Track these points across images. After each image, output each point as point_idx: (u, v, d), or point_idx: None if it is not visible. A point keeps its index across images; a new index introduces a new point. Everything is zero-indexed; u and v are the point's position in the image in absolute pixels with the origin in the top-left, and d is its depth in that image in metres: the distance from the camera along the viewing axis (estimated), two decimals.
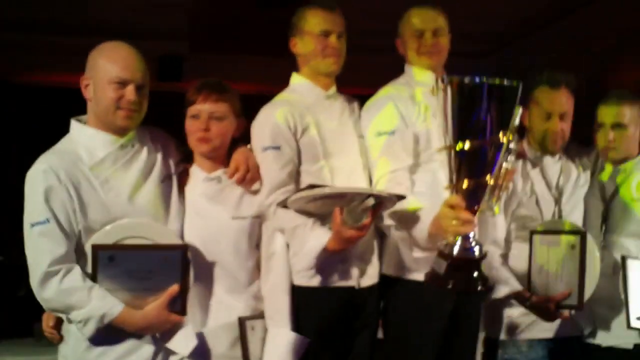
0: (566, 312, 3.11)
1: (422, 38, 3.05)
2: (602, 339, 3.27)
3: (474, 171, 2.52)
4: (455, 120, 2.49)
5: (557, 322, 3.19)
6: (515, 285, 3.13)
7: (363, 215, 2.62)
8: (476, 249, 2.58)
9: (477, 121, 2.48)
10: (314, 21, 2.95)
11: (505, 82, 2.50)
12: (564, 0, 6.31)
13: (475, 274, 2.62)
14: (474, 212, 2.55)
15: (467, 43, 6.85)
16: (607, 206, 3.32)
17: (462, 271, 2.60)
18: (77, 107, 2.83)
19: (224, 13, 4.55)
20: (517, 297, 3.14)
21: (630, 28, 6.38)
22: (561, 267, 3.12)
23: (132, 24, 4.76)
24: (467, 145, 2.47)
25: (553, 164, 3.31)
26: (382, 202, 2.68)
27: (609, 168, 3.36)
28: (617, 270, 3.22)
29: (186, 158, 2.96)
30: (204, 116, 2.84)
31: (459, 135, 2.49)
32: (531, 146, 3.31)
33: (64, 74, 5.04)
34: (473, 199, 2.55)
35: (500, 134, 2.49)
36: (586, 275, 3.08)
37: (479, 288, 2.65)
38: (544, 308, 3.09)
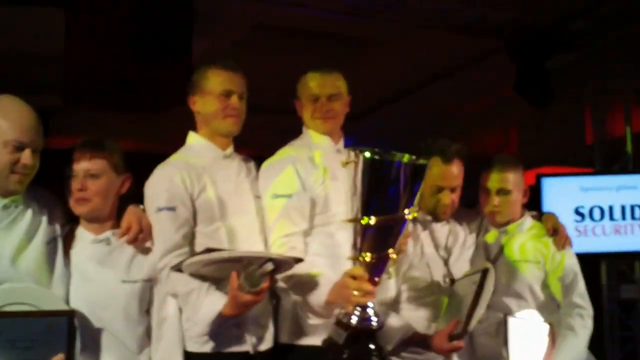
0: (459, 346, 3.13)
1: (317, 103, 3.08)
2: None
3: (378, 245, 2.58)
4: (365, 194, 2.53)
5: None
6: (409, 328, 3.18)
7: (261, 280, 2.58)
8: (374, 320, 2.62)
9: (385, 197, 2.54)
10: (215, 80, 2.93)
11: (415, 160, 2.58)
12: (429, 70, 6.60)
13: (372, 345, 2.65)
14: (375, 284, 2.60)
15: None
16: None
17: (360, 341, 2.62)
18: None
19: (101, 67, 4.45)
20: (413, 340, 3.18)
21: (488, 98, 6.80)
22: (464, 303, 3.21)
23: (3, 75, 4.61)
24: (373, 220, 2.52)
25: (441, 227, 3.39)
26: (279, 265, 2.66)
27: (493, 230, 3.50)
28: (499, 330, 3.34)
29: (72, 219, 2.86)
30: (80, 175, 2.77)
31: (366, 209, 2.53)
32: (421, 210, 3.37)
33: None
34: (375, 271, 2.60)
35: (406, 210, 2.55)
36: (478, 306, 3.15)
37: (375, 359, 2.66)
38: (441, 343, 3.12)
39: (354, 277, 2.58)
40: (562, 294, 3.47)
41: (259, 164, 3.12)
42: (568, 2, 4.99)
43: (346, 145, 3.19)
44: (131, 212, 2.84)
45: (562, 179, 5.87)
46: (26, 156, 2.55)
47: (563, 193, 5.65)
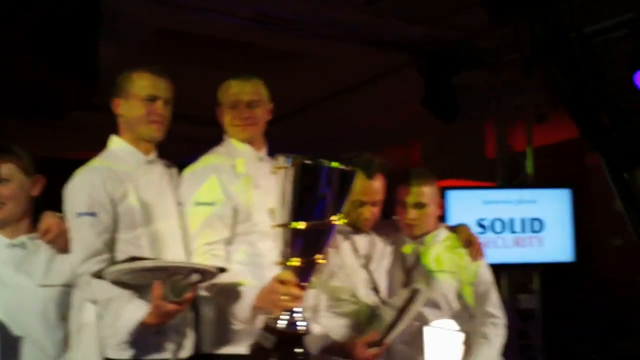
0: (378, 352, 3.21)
1: (237, 109, 3.11)
2: None
3: (306, 250, 2.67)
4: (294, 199, 2.62)
5: None
6: (330, 336, 3.24)
7: (186, 290, 2.62)
8: (301, 324, 2.70)
9: (315, 202, 2.64)
10: (140, 84, 2.93)
11: (344, 167, 2.69)
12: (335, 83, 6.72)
13: (299, 348, 2.73)
14: (303, 288, 2.69)
15: None
16: (407, 277, 3.55)
17: (287, 346, 2.70)
18: None
19: (5, 73, 4.40)
20: (332, 349, 3.24)
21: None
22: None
23: None
24: (301, 225, 2.62)
25: (362, 238, 3.48)
26: (204, 275, 2.70)
27: (410, 242, 3.62)
28: (416, 338, 3.47)
29: None
30: None
31: (295, 215, 2.62)
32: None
33: None
34: (303, 276, 2.70)
35: (335, 217, 2.66)
36: (401, 320, 3.26)
37: None
38: (358, 351, 3.19)
39: (282, 282, 2.66)
40: (476, 304, 3.61)
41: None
42: (473, 20, 5.18)
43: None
44: (49, 215, 2.85)
45: (466, 192, 6.11)
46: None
47: (466, 205, 5.88)
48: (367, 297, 3.38)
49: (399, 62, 5.87)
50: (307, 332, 2.73)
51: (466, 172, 6.80)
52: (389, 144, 8.22)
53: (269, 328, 2.69)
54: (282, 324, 2.68)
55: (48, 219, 2.84)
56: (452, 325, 3.57)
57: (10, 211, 2.79)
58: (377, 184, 3.35)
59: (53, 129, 5.16)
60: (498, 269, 6.02)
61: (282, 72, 5.89)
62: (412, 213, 3.52)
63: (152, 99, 2.91)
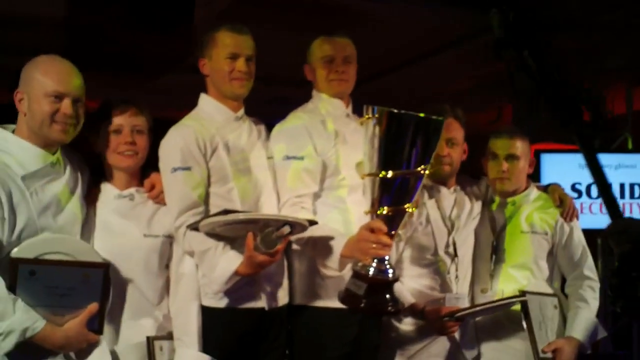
0: (452, 328, 3.48)
1: (332, 64, 3.36)
2: None
3: (395, 198, 2.90)
4: (382, 149, 2.85)
5: (445, 347, 3.61)
6: (408, 299, 3.51)
7: (277, 242, 2.85)
8: (390, 272, 2.95)
9: (402, 152, 2.85)
10: (222, 44, 3.17)
11: (432, 117, 2.90)
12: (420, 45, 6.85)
13: (388, 295, 2.98)
14: (392, 237, 2.93)
15: None
16: (497, 237, 3.74)
17: (376, 293, 2.95)
18: None
19: (102, 32, 4.73)
20: (411, 310, 3.52)
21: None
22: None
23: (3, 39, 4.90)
24: (390, 174, 2.85)
25: (448, 195, 3.69)
26: (294, 227, 2.94)
27: (497, 200, 3.79)
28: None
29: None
30: (127, 130, 3.07)
31: (383, 164, 2.85)
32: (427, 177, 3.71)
33: None
34: (393, 224, 2.93)
35: (422, 166, 2.87)
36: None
37: (391, 309, 3.02)
38: (435, 319, 3.47)
39: (372, 230, 2.89)
40: (571, 267, 3.78)
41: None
42: None
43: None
44: (155, 173, 3.16)
45: (561, 155, 6.13)
46: (65, 105, 2.86)
47: (561, 169, 5.96)
48: (446, 259, 3.62)
49: (481, 24, 5.96)
50: (396, 278, 2.96)
51: (561, 136, 6.84)
52: (477, 107, 8.33)
53: (359, 275, 2.92)
54: (372, 270, 2.91)
55: (154, 176, 3.16)
56: (545, 288, 3.74)
57: (139, 162, 3.11)
58: (448, 123, 3.48)
59: (149, 90, 5.50)
60: (593, 236, 6.19)
61: (365, 35, 6.05)
62: (505, 165, 3.66)
63: (234, 56, 3.16)
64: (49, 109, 2.85)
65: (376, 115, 2.86)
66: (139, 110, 3.11)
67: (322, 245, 3.12)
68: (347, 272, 3.10)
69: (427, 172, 2.92)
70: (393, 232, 2.94)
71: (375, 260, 2.92)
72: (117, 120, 3.08)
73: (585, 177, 5.93)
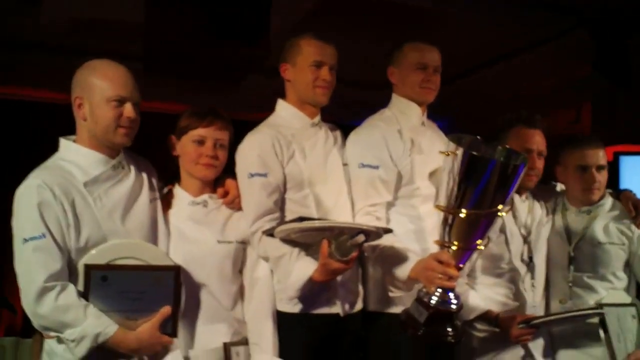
0: (526, 336, 3.33)
1: (425, 72, 3.26)
2: None
3: (466, 236, 2.80)
4: (459, 187, 2.74)
5: (518, 355, 3.45)
6: (482, 307, 3.38)
7: (352, 249, 2.78)
8: (454, 302, 2.84)
9: (479, 191, 2.73)
10: (308, 51, 3.12)
11: (514, 161, 2.80)
12: (500, 46, 6.70)
13: (449, 326, 2.89)
14: (459, 269, 2.84)
15: None
16: (574, 247, 3.57)
17: (437, 322, 2.85)
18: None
19: (181, 37, 4.70)
20: (485, 317, 3.39)
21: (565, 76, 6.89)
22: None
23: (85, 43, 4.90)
24: (463, 214, 2.74)
25: (521, 203, 3.55)
26: (369, 235, 2.85)
27: (572, 209, 3.63)
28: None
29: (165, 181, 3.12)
30: (211, 142, 3.01)
31: (458, 201, 2.74)
32: None
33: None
34: (461, 259, 2.84)
35: (500, 207, 2.75)
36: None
37: (450, 340, 2.90)
38: (509, 326, 3.33)
39: (440, 261, 2.80)
40: None
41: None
42: None
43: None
44: (229, 179, 3.11)
45: None
46: (128, 109, 2.79)
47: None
48: (521, 268, 3.47)
49: (568, 24, 5.78)
50: (459, 310, 2.86)
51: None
52: (555, 108, 8.11)
53: (421, 302, 2.84)
54: (435, 300, 2.82)
55: (227, 181, 3.09)
56: (624, 298, 3.57)
57: (218, 173, 3.07)
58: (538, 135, 3.42)
59: (227, 94, 5.47)
60: None
61: (445, 37, 5.93)
62: (598, 176, 3.52)
63: (318, 65, 3.10)
64: (113, 114, 2.78)
65: (457, 153, 2.73)
66: (224, 124, 3.05)
67: (391, 262, 3.04)
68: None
69: (503, 213, 2.80)
70: (461, 265, 2.86)
71: (440, 290, 2.84)
72: (202, 132, 3.02)
73: None
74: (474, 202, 2.74)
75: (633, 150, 5.98)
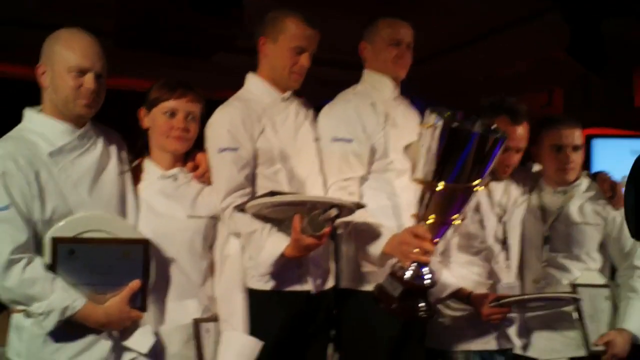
0: (497, 315, 3.31)
1: (399, 48, 3.23)
2: (539, 352, 3.55)
3: (443, 209, 2.78)
4: (438, 160, 2.71)
5: (490, 334, 3.45)
6: (455, 285, 3.36)
7: (324, 224, 2.74)
8: (428, 278, 2.82)
9: (458, 165, 2.71)
10: (292, 33, 3.04)
11: (495, 134, 2.74)
12: (476, 27, 6.69)
13: (422, 301, 2.87)
14: (434, 244, 2.81)
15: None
16: (549, 227, 3.56)
17: (410, 297, 2.84)
18: None
19: (153, 11, 4.62)
20: (458, 295, 3.38)
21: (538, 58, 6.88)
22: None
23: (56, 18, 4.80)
24: (441, 186, 2.71)
25: (497, 184, 3.53)
26: (341, 210, 2.82)
27: (548, 189, 3.62)
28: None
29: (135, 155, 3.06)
30: (182, 115, 2.94)
31: (436, 174, 2.72)
32: None
33: None
34: (437, 233, 2.82)
35: (477, 181, 2.73)
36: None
37: (423, 315, 2.89)
38: (480, 304, 3.32)
39: (416, 235, 2.77)
40: (622, 258, 3.59)
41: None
42: None
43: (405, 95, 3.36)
44: (200, 153, 3.05)
45: (612, 140, 5.96)
46: (88, 80, 2.73)
47: (612, 155, 5.75)
48: (495, 247, 3.47)
49: (541, 6, 5.76)
50: (432, 285, 2.84)
51: (612, 121, 6.61)
52: (528, 90, 8.11)
53: (395, 276, 2.81)
54: (409, 275, 2.80)
55: (198, 155, 3.04)
56: (598, 279, 3.58)
57: (189, 147, 3.00)
58: (522, 130, 3.40)
59: (196, 70, 5.39)
60: None
61: (420, 17, 5.90)
62: (573, 156, 3.51)
63: (300, 51, 3.04)
64: (73, 84, 2.72)
65: (436, 125, 2.70)
66: (196, 97, 2.99)
67: (365, 237, 3.01)
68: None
69: (480, 187, 2.78)
70: (436, 240, 2.83)
71: (414, 265, 2.81)
72: (173, 104, 2.95)
73: None
74: (452, 176, 2.71)
75: (605, 133, 5.98)
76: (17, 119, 2.85)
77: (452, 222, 2.83)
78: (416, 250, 2.77)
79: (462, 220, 2.93)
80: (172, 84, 2.98)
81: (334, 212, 2.72)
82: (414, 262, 2.81)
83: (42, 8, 5.10)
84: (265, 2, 4.74)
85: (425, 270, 2.82)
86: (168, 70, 5.00)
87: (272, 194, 2.80)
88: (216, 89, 4.62)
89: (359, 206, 2.86)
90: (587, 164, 5.59)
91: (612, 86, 6.57)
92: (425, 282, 2.83)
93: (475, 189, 2.76)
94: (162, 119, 2.95)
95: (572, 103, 6.95)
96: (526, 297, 3.42)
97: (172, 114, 2.94)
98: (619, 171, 5.56)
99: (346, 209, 2.82)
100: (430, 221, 2.79)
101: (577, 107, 6.85)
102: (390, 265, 2.93)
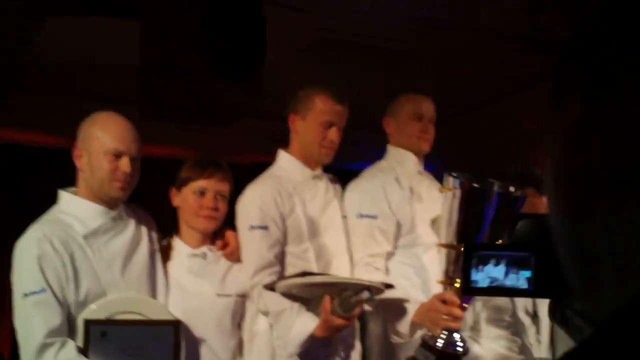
0: None
1: (421, 123, 3.27)
2: None
3: None
4: (461, 221, 2.71)
5: None
6: (486, 358, 3.33)
7: (355, 305, 2.75)
8: (460, 345, 2.78)
9: (481, 225, 2.70)
10: (321, 108, 3.09)
11: (514, 193, 2.75)
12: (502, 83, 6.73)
13: None
14: (464, 309, 2.79)
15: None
16: None
17: None
18: None
19: (175, 79, 4.68)
20: None
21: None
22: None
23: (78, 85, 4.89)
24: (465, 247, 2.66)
25: None
26: (377, 291, 2.82)
27: None
28: None
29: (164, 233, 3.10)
30: (211, 194, 2.98)
31: (460, 236, 2.71)
32: None
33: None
34: (466, 297, 2.78)
35: (500, 241, 2.70)
36: None
37: None
38: None
39: (445, 301, 2.75)
40: None
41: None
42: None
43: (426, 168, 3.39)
44: (229, 231, 3.08)
45: None
46: (124, 164, 2.78)
47: None
48: (526, 320, 3.43)
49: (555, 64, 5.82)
50: (465, 353, 2.81)
51: None
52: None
53: (427, 345, 2.77)
54: (440, 343, 2.76)
55: (227, 233, 3.07)
56: None
57: (218, 225, 3.04)
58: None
59: (220, 136, 5.46)
60: None
61: (443, 77, 5.95)
62: None
63: (329, 125, 3.08)
64: (109, 167, 2.77)
65: (456, 188, 2.72)
66: (225, 176, 3.03)
67: (393, 309, 3.01)
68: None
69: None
70: (465, 305, 2.82)
71: (446, 332, 2.78)
72: (203, 184, 2.99)
73: None
74: (475, 236, 2.71)
75: None
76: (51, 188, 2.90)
77: None
78: (445, 317, 2.75)
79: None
80: (202, 163, 3.02)
81: (366, 294, 2.73)
82: (444, 329, 2.78)
83: (64, 74, 5.17)
84: (283, 68, 4.84)
85: (457, 337, 2.79)
86: (191, 136, 5.09)
87: (304, 274, 2.83)
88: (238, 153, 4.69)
89: (388, 286, 2.87)
90: None
91: None
92: (458, 349, 2.79)
93: None
94: (192, 198, 2.99)
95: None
96: None
97: (202, 193, 2.98)
98: None
99: (375, 289, 2.82)
100: (457, 285, 2.77)
101: None
102: (421, 336, 2.90)
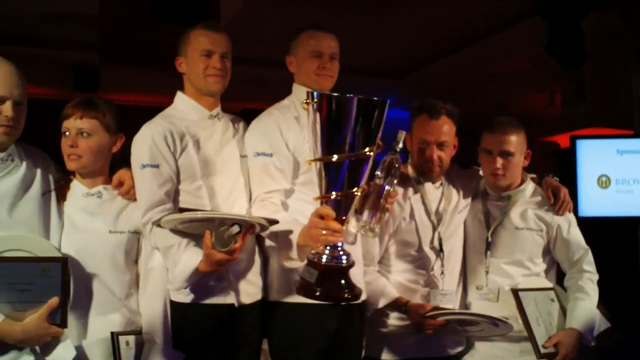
0: (430, 327, 3.36)
1: (321, 59, 3.30)
2: (480, 358, 3.61)
3: (342, 183, 2.78)
4: (324, 133, 2.74)
5: (435, 341, 3.52)
6: (392, 294, 3.44)
7: (230, 240, 2.81)
8: (344, 258, 2.84)
9: (345, 135, 2.73)
10: (197, 41, 3.19)
11: (374, 98, 2.75)
12: (471, 29, 6.71)
13: (343, 282, 2.87)
14: (342, 222, 2.82)
15: (385, 63, 7.23)
16: (492, 233, 3.59)
17: (331, 280, 2.84)
18: None
19: (134, 28, 4.77)
20: (394, 305, 3.45)
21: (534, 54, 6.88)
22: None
23: (42, 33, 4.99)
24: (334, 158, 2.73)
25: (434, 190, 3.58)
26: (252, 226, 2.89)
27: (493, 194, 3.65)
28: (500, 296, 3.57)
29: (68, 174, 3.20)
30: (72, 132, 3.07)
31: (327, 149, 2.74)
32: (413, 171, 3.59)
33: None
34: (341, 209, 2.81)
35: (367, 149, 2.74)
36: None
37: (347, 296, 2.89)
38: (415, 314, 3.39)
39: (321, 216, 2.78)
40: (569, 264, 3.62)
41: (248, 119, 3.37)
42: None
43: None
44: (124, 169, 3.17)
45: (597, 141, 5.78)
46: (7, 108, 2.86)
47: (598, 156, 5.68)
48: (431, 254, 3.52)
49: (522, 6, 5.78)
50: (350, 265, 2.85)
51: (607, 121, 6.55)
52: (529, 91, 8.08)
53: (312, 263, 2.83)
54: (324, 258, 2.81)
55: (121, 172, 3.16)
56: (541, 283, 3.60)
57: (84, 163, 3.10)
58: (441, 124, 3.44)
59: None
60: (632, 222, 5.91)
61: (422, 16, 5.89)
62: (499, 162, 3.50)
63: (208, 54, 3.17)
64: None
65: (315, 100, 2.74)
66: (85, 112, 3.08)
67: (282, 237, 3.05)
68: None
69: (372, 153, 2.78)
70: (343, 218, 2.83)
71: (328, 247, 2.82)
72: (65, 123, 3.10)
73: (621, 164, 5.65)
74: (342, 146, 2.72)
75: (589, 134, 5.93)
76: None
77: (355, 195, 2.82)
78: (324, 231, 2.77)
79: (363, 191, 2.92)
80: (71, 103, 3.11)
81: (235, 229, 2.79)
82: (327, 246, 2.82)
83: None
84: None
85: (339, 251, 2.83)
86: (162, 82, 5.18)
87: (182, 210, 2.91)
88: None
89: (272, 222, 2.92)
90: (572, 165, 5.60)
91: (604, 84, 6.52)
92: (342, 262, 2.83)
93: (368, 153, 2.75)
94: (62, 140, 3.10)
95: (568, 103, 6.93)
96: (458, 314, 3.44)
97: (65, 133, 3.08)
98: (604, 171, 5.60)
99: (258, 225, 2.89)
100: (331, 198, 2.79)
101: (572, 107, 6.83)
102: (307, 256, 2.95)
